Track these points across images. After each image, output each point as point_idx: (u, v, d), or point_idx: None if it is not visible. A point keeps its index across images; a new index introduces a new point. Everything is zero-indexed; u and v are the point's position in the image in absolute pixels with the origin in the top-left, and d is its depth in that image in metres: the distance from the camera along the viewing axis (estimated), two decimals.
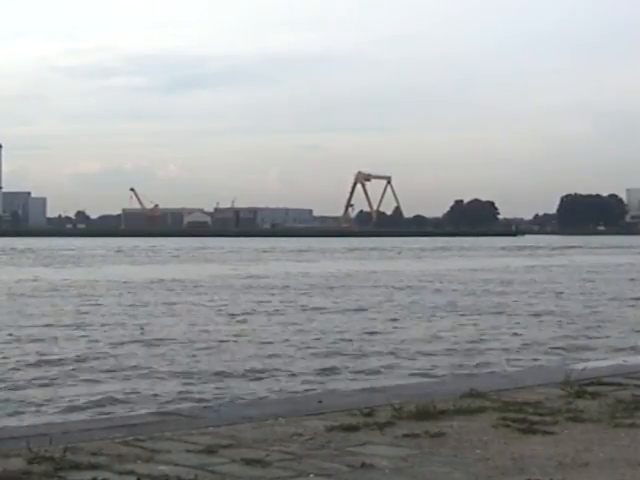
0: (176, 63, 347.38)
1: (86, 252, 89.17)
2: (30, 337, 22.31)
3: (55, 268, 59.65)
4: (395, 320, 27.01)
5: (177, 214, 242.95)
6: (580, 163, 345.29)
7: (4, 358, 18.91)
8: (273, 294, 37.56)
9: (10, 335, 22.69)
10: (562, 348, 20.99)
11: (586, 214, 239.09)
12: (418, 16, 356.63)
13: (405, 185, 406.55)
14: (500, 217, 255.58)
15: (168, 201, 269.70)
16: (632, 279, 49.00)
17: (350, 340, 22.06)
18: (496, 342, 22.15)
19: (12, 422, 12.45)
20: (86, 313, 28.55)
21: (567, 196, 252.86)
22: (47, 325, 25.17)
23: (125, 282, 44.84)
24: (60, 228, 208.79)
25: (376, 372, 17.56)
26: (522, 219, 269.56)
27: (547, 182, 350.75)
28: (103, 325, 25.26)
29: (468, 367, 18.21)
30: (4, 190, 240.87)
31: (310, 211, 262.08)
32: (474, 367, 18.19)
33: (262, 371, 17.47)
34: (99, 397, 14.93)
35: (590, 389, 8.76)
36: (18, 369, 17.61)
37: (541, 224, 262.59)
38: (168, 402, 14.32)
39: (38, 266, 62.48)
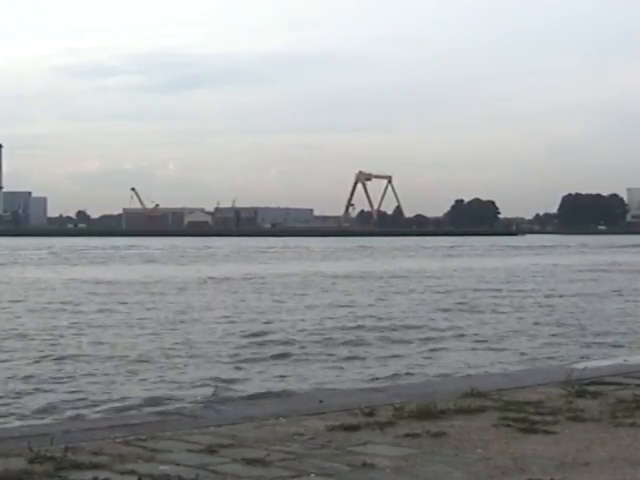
0: (176, 62, 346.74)
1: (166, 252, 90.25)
2: None
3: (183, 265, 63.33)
4: None
5: (178, 214, 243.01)
6: (581, 163, 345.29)
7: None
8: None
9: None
10: None
11: (587, 214, 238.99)
12: (418, 16, 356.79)
13: (406, 185, 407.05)
14: (501, 216, 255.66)
15: (168, 201, 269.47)
16: None
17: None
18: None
19: (13, 422, 12.45)
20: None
21: (568, 196, 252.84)
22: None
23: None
24: (61, 228, 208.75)
25: None
26: (523, 218, 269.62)
27: (548, 182, 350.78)
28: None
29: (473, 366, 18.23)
30: (5, 190, 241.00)
31: (311, 211, 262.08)
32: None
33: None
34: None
35: (591, 389, 8.77)
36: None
37: (542, 224, 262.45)
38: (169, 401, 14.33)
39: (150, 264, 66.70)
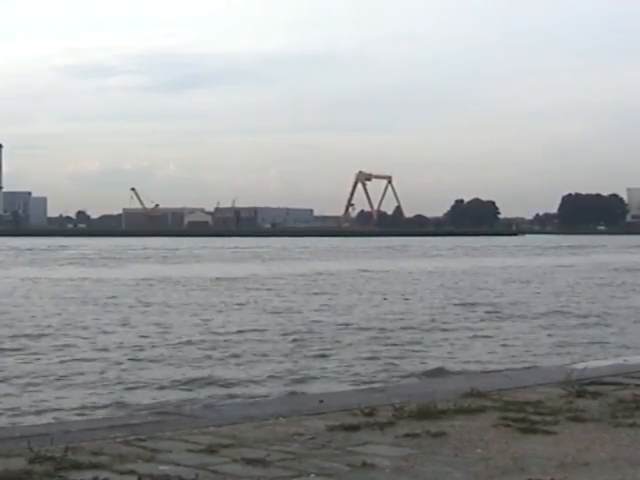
0: (176, 62, 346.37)
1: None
2: None
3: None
4: None
5: (178, 214, 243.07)
6: (581, 163, 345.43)
7: None
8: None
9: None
10: None
11: (587, 214, 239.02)
12: (418, 16, 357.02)
13: (406, 185, 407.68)
14: (501, 217, 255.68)
15: (168, 201, 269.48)
16: None
17: None
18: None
19: (13, 422, 12.45)
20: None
21: (568, 196, 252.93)
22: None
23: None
24: (61, 228, 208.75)
25: None
26: (523, 218, 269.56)
27: (548, 182, 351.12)
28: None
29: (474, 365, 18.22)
30: (5, 190, 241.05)
31: (311, 211, 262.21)
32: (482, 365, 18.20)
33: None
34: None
35: (591, 389, 8.76)
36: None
37: (542, 224, 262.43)
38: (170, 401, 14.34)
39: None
